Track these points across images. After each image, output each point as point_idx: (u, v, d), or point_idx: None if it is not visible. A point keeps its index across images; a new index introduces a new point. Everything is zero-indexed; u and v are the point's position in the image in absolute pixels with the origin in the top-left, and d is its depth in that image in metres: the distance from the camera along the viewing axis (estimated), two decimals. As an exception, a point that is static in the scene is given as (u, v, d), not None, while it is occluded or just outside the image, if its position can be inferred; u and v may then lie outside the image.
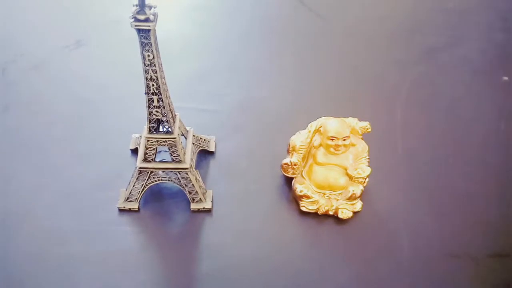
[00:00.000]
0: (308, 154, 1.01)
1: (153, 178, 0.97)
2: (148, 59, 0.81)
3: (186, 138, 1.01)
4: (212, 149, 1.08)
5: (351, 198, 0.99)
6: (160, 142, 0.93)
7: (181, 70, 1.21)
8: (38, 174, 1.04)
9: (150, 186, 0.98)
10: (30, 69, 1.24)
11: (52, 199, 1.00)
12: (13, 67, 1.24)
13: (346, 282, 0.92)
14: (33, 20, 1.36)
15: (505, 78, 1.25)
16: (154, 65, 0.82)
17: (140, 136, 1.03)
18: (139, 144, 1.03)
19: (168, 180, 0.97)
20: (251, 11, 1.43)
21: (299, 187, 1.00)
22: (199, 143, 1.05)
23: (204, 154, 1.08)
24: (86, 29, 1.34)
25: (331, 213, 0.99)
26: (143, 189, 0.97)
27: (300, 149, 1.01)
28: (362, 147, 1.00)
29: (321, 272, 0.93)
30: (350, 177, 0.99)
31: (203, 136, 1.07)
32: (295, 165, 1.01)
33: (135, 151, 1.06)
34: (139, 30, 0.78)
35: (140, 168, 0.95)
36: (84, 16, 1.38)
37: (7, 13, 1.38)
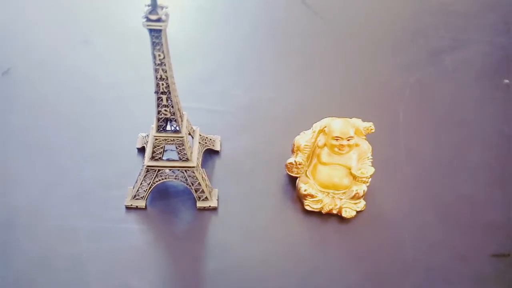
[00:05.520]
0: (313, 154, 1.03)
1: (160, 176, 0.98)
2: (159, 59, 0.83)
3: (193, 137, 1.02)
4: (217, 148, 1.09)
5: (355, 197, 1.00)
6: (168, 141, 0.94)
7: (186, 71, 1.22)
8: (45, 174, 1.05)
9: (157, 185, 0.99)
10: (37, 69, 1.25)
11: (60, 198, 1.01)
12: (20, 66, 1.25)
13: (350, 280, 0.93)
14: (40, 19, 1.37)
15: (506, 81, 1.27)
16: (165, 64, 0.84)
17: (147, 135, 1.05)
18: (145, 143, 1.05)
19: (175, 179, 0.99)
20: (255, 12, 1.44)
21: (304, 186, 1.01)
22: (205, 143, 1.07)
23: (210, 154, 1.09)
24: (93, 28, 1.36)
25: (335, 212, 1.01)
26: (150, 187, 0.98)
27: (305, 149, 1.02)
28: (365, 147, 1.01)
29: (324, 269, 0.94)
30: (354, 177, 1.00)
31: (209, 136, 1.08)
32: (299, 164, 1.03)
33: (141, 150, 1.08)
34: (150, 30, 0.79)
35: (148, 166, 0.96)
36: (91, 16, 1.39)
37: (14, 12, 1.39)
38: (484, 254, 0.97)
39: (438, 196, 1.04)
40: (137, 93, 1.19)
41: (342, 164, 1.00)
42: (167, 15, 0.79)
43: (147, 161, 0.96)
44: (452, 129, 1.17)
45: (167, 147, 0.97)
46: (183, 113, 0.97)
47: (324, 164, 1.01)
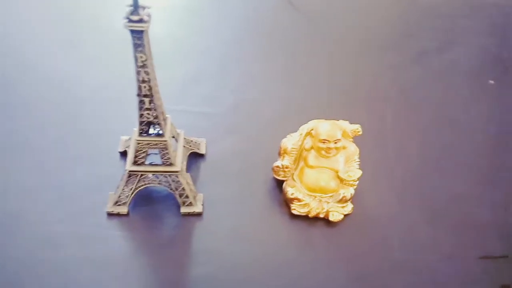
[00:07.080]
0: (299, 157, 1.01)
1: (143, 181, 0.96)
2: (141, 61, 0.80)
3: (177, 141, 1.00)
4: (202, 151, 1.07)
5: (342, 200, 0.99)
6: (151, 145, 0.92)
7: (171, 72, 1.20)
8: (28, 177, 1.02)
9: (140, 190, 0.97)
10: (22, 69, 1.22)
11: (42, 202, 0.99)
12: (6, 67, 1.22)
13: (337, 283, 0.92)
14: (27, 20, 1.34)
15: (491, 81, 1.27)
16: (147, 66, 0.81)
17: (129, 138, 1.03)
18: (128, 147, 1.02)
19: (158, 184, 0.96)
20: (241, 12, 1.43)
21: (290, 190, 1.00)
22: (190, 146, 1.05)
23: (195, 157, 1.07)
24: (79, 30, 1.33)
25: (322, 215, 0.99)
26: (132, 193, 0.96)
27: (292, 152, 1.01)
28: (353, 150, 1.00)
29: (312, 273, 0.93)
30: (341, 180, 0.99)
31: (194, 139, 1.06)
32: (286, 168, 1.01)
33: (124, 154, 1.05)
34: (132, 31, 0.77)
35: (130, 171, 0.94)
36: (78, 17, 1.37)
37: (1, 13, 1.36)
38: (472, 254, 0.96)
39: (426, 197, 1.04)
40: (123, 95, 1.14)
41: (329, 167, 0.99)
42: (149, 15, 0.77)
43: (129, 166, 0.94)
44: (439, 129, 1.17)
45: (149, 150, 0.94)
46: (167, 116, 0.94)
47: (311, 167, 0.99)
